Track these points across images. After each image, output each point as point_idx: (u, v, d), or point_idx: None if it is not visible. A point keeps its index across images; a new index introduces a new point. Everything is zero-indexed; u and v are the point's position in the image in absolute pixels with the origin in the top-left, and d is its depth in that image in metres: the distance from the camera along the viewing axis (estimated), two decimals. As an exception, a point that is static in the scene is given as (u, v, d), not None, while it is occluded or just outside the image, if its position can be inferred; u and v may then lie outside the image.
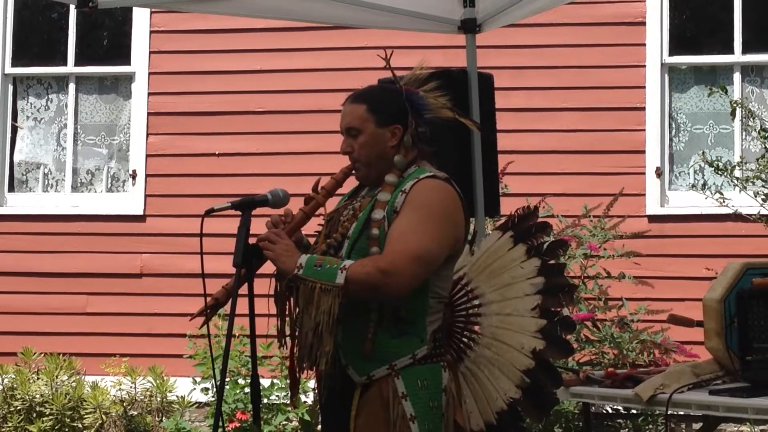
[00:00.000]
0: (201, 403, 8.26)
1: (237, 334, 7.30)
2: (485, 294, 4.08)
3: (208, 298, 3.85)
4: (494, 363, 4.00)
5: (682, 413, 4.34)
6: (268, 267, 3.82)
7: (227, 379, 7.52)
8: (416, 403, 3.72)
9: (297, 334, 3.77)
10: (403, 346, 3.73)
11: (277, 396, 7.56)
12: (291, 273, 3.70)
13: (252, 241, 3.77)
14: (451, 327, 4.02)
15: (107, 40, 9.82)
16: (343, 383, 3.77)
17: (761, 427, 7.85)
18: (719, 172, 7.18)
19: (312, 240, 3.96)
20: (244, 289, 3.75)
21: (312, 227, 3.95)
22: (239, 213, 3.79)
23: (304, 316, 3.69)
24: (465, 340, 4.05)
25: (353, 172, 3.93)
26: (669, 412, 4.21)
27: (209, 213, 3.74)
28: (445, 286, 3.88)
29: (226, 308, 3.80)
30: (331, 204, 3.97)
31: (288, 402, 7.46)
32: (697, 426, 7.84)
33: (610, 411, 7.54)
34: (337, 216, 3.90)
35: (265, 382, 7.39)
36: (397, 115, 3.86)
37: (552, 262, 4.11)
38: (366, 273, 3.63)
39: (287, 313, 3.82)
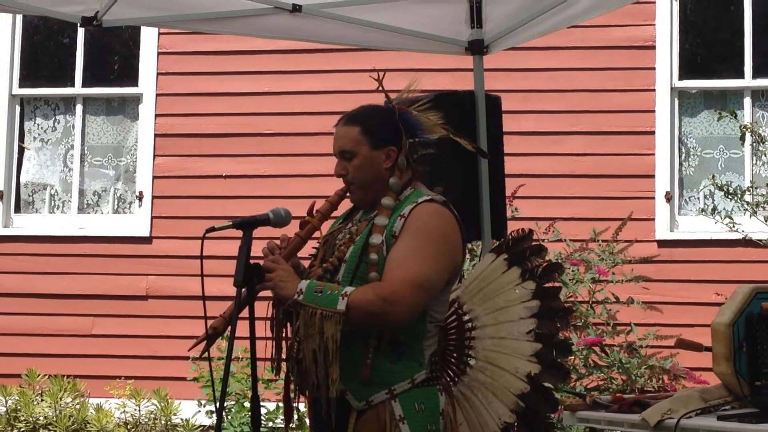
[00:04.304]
0: (205, 426, 8.22)
1: (242, 357, 7.25)
2: (479, 317, 4.03)
3: (207, 328, 3.79)
4: (488, 387, 3.95)
5: (690, 439, 4.25)
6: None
7: (233, 403, 7.48)
8: (414, 426, 3.67)
9: (297, 361, 3.70)
10: (401, 370, 3.69)
11: (283, 419, 7.50)
12: (291, 298, 3.63)
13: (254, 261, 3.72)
14: (444, 350, 3.96)
15: (115, 61, 9.82)
16: (338, 408, 3.69)
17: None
18: (729, 197, 7.14)
19: (306, 263, 3.89)
20: (245, 311, 3.70)
21: (306, 250, 3.89)
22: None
23: (306, 342, 3.62)
24: (459, 363, 3.99)
25: (348, 194, 3.88)
26: (677, 438, 4.15)
27: (209, 232, 3.69)
28: (442, 310, 3.84)
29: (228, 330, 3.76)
30: (325, 226, 3.92)
31: (294, 426, 7.41)
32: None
33: (618, 437, 7.47)
34: (333, 240, 3.85)
35: (270, 406, 7.34)
36: (391, 136, 3.81)
37: (547, 285, 4.06)
38: (368, 301, 3.57)
39: (283, 339, 3.76)
